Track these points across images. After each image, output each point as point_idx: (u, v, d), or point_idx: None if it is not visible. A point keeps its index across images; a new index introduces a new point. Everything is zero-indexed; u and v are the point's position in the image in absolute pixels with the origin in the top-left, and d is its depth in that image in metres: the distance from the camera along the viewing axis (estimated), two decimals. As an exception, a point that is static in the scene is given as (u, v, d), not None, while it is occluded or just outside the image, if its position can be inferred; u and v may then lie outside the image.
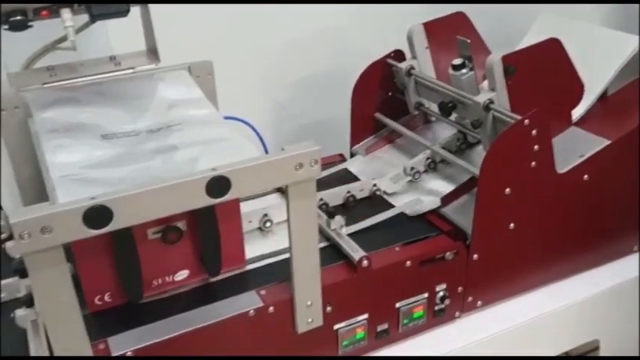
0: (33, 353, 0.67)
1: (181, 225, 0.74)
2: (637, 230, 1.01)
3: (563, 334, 0.98)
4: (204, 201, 0.64)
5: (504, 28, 1.17)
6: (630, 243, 1.03)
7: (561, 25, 1.01)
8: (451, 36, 0.97)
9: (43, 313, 0.62)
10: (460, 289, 0.89)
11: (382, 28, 1.17)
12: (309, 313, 0.77)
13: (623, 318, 1.02)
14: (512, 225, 0.88)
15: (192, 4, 1.10)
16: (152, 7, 0.89)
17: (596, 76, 0.96)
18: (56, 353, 0.64)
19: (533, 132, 0.82)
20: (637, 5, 1.37)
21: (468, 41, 0.92)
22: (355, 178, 1.01)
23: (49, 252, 0.59)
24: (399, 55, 1.06)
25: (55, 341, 0.63)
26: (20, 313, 0.72)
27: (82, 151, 0.71)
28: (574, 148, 0.92)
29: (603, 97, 0.99)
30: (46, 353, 0.67)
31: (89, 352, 0.65)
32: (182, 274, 0.77)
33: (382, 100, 1.09)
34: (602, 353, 1.05)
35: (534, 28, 1.07)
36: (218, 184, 0.63)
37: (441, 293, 0.88)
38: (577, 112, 0.98)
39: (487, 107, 0.88)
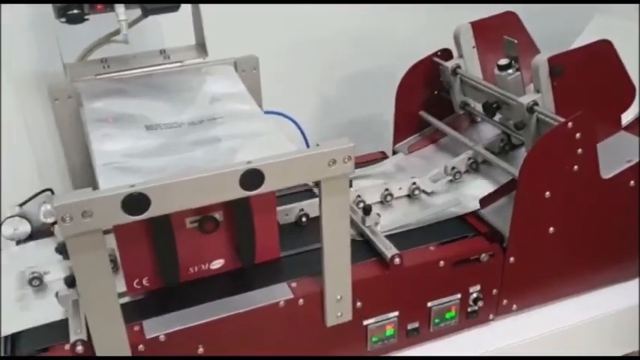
0: (72, 333, 0.71)
1: (218, 215, 0.76)
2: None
3: (601, 343, 0.96)
4: (238, 193, 0.65)
5: (559, 29, 1.15)
6: (679, 254, 0.99)
7: (618, 26, 0.99)
8: (500, 36, 0.96)
9: (81, 293, 0.65)
10: (495, 291, 0.89)
11: (432, 26, 1.16)
12: (338, 308, 0.78)
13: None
14: (551, 229, 0.86)
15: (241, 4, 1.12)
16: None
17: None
18: (92, 333, 0.67)
19: (577, 135, 0.80)
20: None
21: (515, 41, 0.91)
22: (395, 176, 1.01)
23: (88, 235, 0.62)
24: (446, 53, 1.06)
25: (91, 321, 0.67)
26: (62, 293, 0.75)
27: (126, 141, 0.74)
28: (622, 152, 0.90)
29: (657, 102, 0.96)
30: (84, 334, 0.70)
31: (124, 333, 0.69)
32: (217, 263, 0.80)
33: (427, 98, 1.09)
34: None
35: (588, 28, 1.05)
36: (252, 177, 0.65)
37: (475, 295, 0.87)
38: (628, 116, 0.95)
39: (531, 109, 0.87)
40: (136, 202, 0.61)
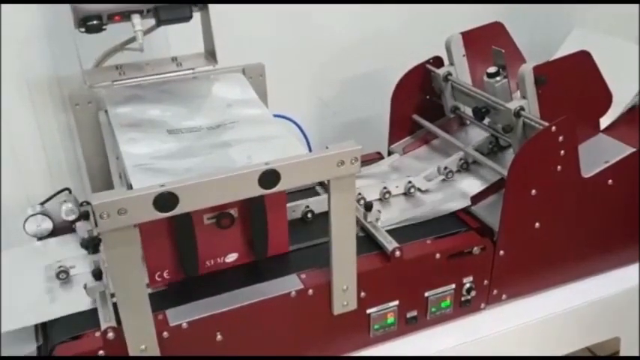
0: (102, 321, 0.77)
1: (233, 212, 0.83)
2: (660, 234, 1.06)
3: (584, 330, 1.04)
4: (257, 191, 0.72)
5: (543, 39, 1.22)
6: (654, 246, 1.08)
7: (594, 39, 1.07)
8: (488, 45, 1.03)
9: (115, 284, 0.71)
10: (486, 282, 0.96)
11: (426, 34, 1.23)
12: (344, 297, 0.85)
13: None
14: (537, 224, 0.94)
15: (243, 3, 1.17)
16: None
17: (625, 89, 1.01)
18: (123, 321, 0.73)
19: (560, 138, 0.88)
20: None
21: (503, 51, 0.98)
22: (391, 175, 1.08)
23: (123, 231, 0.68)
24: (437, 61, 1.13)
25: (122, 309, 0.73)
26: (91, 285, 0.82)
27: (151, 144, 0.80)
28: (601, 154, 0.98)
29: (633, 108, 1.03)
30: (113, 321, 0.76)
31: (151, 322, 0.75)
32: (232, 256, 0.86)
33: (420, 102, 1.15)
34: (622, 351, 1.10)
35: (568, 41, 1.12)
36: (269, 177, 0.72)
37: (468, 285, 0.94)
38: (606, 121, 1.03)
39: (518, 113, 0.94)
40: (166, 200, 0.68)
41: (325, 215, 0.81)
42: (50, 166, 1.17)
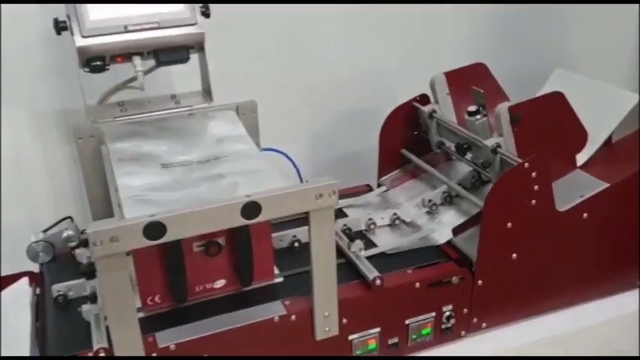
0: (95, 342, 0.82)
1: (221, 240, 0.88)
2: (637, 267, 1.10)
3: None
4: (239, 221, 0.77)
5: (526, 79, 1.28)
6: (632, 279, 1.11)
7: (573, 80, 1.12)
8: (471, 84, 1.09)
9: (106, 307, 0.76)
10: (465, 310, 1.00)
11: (412, 73, 1.29)
12: (326, 323, 0.90)
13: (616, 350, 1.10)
14: (514, 255, 0.98)
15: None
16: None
17: (600, 126, 1.06)
18: (114, 342, 0.78)
19: (533, 174, 0.93)
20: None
21: (482, 91, 1.04)
22: (378, 207, 1.13)
23: (115, 257, 0.73)
24: (424, 98, 1.18)
25: (113, 331, 0.78)
26: (86, 307, 0.87)
27: (145, 177, 0.86)
28: (576, 188, 1.02)
29: (608, 145, 1.08)
30: (105, 342, 0.81)
31: (140, 343, 0.80)
32: (220, 283, 0.91)
33: (408, 137, 1.21)
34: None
35: (549, 81, 1.18)
36: (251, 208, 0.77)
37: (448, 313, 0.98)
38: (582, 158, 1.07)
39: (495, 150, 0.99)
40: (155, 229, 0.73)
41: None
42: (55, 194, 1.24)
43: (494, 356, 1.00)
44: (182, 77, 1.14)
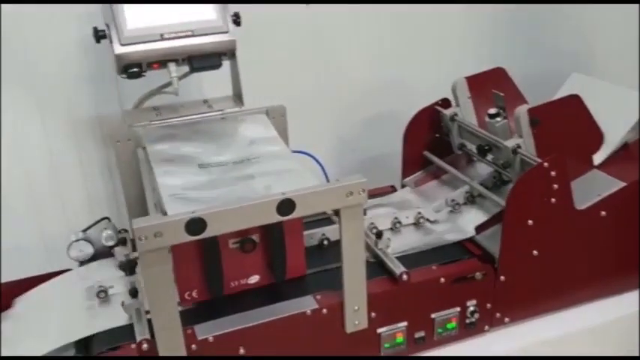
0: (138, 334, 0.86)
1: (255, 237, 0.92)
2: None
3: (584, 353, 1.10)
4: (275, 218, 0.82)
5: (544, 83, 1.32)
6: (648, 275, 1.14)
7: (589, 83, 1.16)
8: (491, 88, 1.13)
9: (149, 299, 0.81)
10: (489, 305, 1.03)
11: (435, 78, 1.32)
12: (356, 317, 0.93)
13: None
14: (535, 252, 1.01)
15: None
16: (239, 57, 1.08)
17: (617, 128, 1.10)
18: (156, 333, 0.82)
19: (553, 173, 0.96)
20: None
21: (502, 94, 1.08)
22: (403, 207, 1.17)
23: (158, 252, 0.78)
24: (445, 102, 1.22)
25: (156, 323, 0.82)
26: (127, 302, 0.92)
27: (184, 177, 0.91)
28: (594, 188, 1.05)
29: (624, 146, 1.11)
30: (147, 334, 0.86)
31: (181, 335, 0.84)
32: (254, 278, 0.96)
33: (430, 140, 1.25)
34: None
35: (566, 85, 1.21)
36: (286, 205, 0.81)
37: (472, 308, 1.02)
38: (599, 158, 1.11)
39: (515, 151, 1.03)
40: (196, 224, 0.78)
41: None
42: (89, 198, 1.29)
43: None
44: (209, 83, 1.19)
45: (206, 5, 1.01)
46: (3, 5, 1.11)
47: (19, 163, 1.21)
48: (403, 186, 1.26)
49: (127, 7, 0.96)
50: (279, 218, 0.82)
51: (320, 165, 1.17)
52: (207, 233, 0.79)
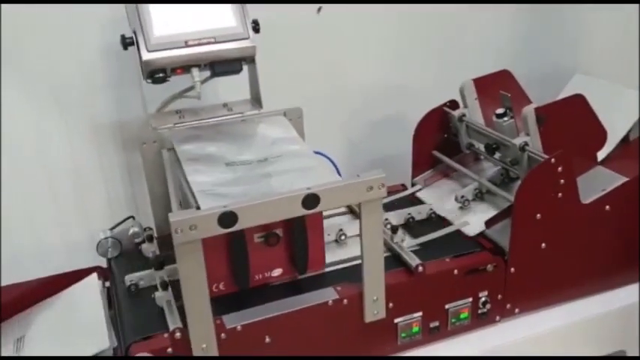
0: (170, 324, 0.91)
1: (279, 232, 0.97)
2: (656, 255, 1.18)
3: (591, 342, 1.15)
4: (300, 211, 0.87)
5: (547, 84, 1.38)
6: (652, 266, 1.19)
7: (591, 83, 1.21)
8: (497, 89, 1.18)
9: (183, 289, 0.85)
10: (500, 296, 1.08)
11: (442, 80, 1.38)
12: (375, 307, 0.98)
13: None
14: (543, 245, 1.06)
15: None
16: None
17: (618, 125, 1.15)
18: (189, 322, 0.87)
19: (559, 169, 1.01)
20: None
21: (509, 95, 1.13)
22: (415, 204, 1.22)
23: (193, 244, 0.83)
24: (453, 104, 1.28)
25: (189, 312, 0.87)
26: (159, 294, 0.96)
27: (212, 174, 0.96)
28: (598, 183, 1.11)
29: (626, 142, 1.17)
30: (179, 323, 0.90)
31: (212, 324, 0.88)
32: (277, 271, 1.00)
33: (439, 140, 1.30)
34: None
35: (570, 85, 1.27)
36: (311, 200, 0.86)
37: (483, 299, 1.07)
38: (602, 154, 1.16)
39: (522, 148, 1.08)
40: (228, 218, 0.83)
41: (356, 238, 0.94)
42: (110, 200, 1.33)
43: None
44: (224, 87, 1.23)
45: (226, 11, 1.05)
46: (27, 10, 1.15)
47: (42, 169, 1.25)
48: (413, 184, 1.31)
49: (153, 12, 1.01)
50: (304, 212, 0.87)
51: (334, 165, 1.22)
52: (238, 226, 0.84)
